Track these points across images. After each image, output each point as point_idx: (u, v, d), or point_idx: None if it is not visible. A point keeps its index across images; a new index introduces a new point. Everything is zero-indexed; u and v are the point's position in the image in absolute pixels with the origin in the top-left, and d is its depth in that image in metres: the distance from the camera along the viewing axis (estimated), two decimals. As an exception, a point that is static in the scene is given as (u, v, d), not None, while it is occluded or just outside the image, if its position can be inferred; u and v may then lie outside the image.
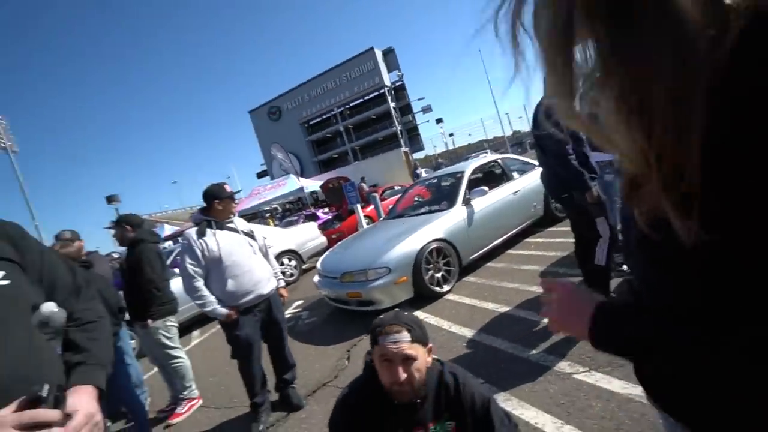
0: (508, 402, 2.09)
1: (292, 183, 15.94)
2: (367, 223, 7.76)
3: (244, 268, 2.51)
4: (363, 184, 13.62)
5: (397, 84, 41.29)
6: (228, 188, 2.64)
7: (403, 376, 1.12)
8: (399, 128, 40.53)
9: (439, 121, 44.49)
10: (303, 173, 35.11)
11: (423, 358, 1.18)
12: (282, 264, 6.59)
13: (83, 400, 0.77)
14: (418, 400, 1.18)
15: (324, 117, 44.20)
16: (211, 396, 3.36)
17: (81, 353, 0.88)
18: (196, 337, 5.38)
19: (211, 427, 2.88)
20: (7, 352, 0.74)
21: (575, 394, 1.99)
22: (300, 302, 5.37)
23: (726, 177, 0.34)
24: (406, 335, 1.15)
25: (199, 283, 2.44)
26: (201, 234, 2.46)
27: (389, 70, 40.80)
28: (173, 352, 3.17)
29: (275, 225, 12.16)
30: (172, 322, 3.19)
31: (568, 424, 1.83)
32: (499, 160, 5.62)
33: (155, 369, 3.48)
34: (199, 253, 2.42)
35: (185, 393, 3.22)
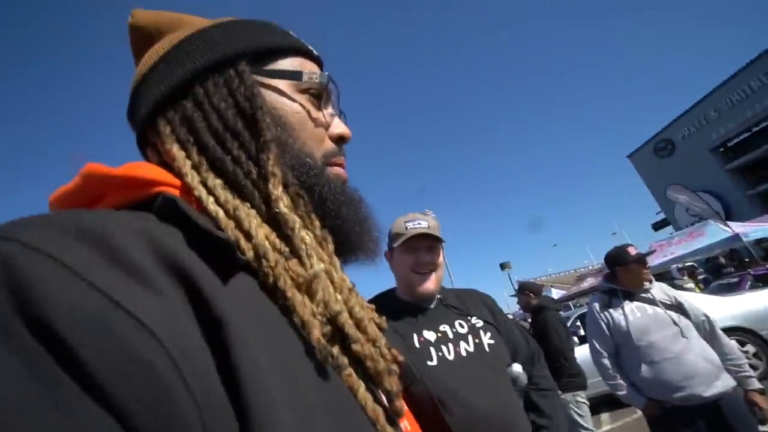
0: None
1: (714, 231, 11.81)
2: None
3: (666, 353, 1.93)
4: None
5: None
6: (633, 251, 2.25)
7: None
8: None
9: None
10: (730, 215, 25.43)
11: None
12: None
13: None
14: None
15: (753, 131, 31.02)
16: None
17: (546, 418, 1.02)
18: (606, 422, 4.73)
19: None
20: (501, 394, 0.95)
21: None
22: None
23: None
24: None
25: (606, 360, 2.14)
26: (605, 305, 2.21)
27: None
28: (588, 434, 2.89)
29: (701, 290, 9.14)
30: (582, 398, 2.98)
31: None
32: None
33: (570, 446, 3.32)
34: (604, 327, 2.16)
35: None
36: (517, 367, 1.02)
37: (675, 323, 1.99)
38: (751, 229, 11.83)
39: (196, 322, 0.24)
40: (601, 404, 5.11)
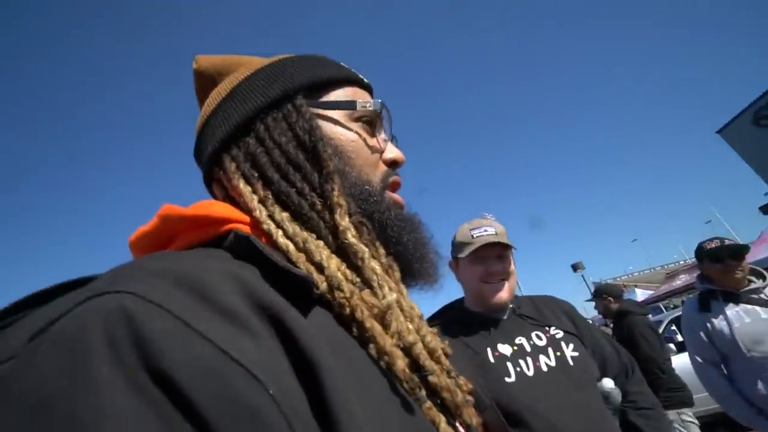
0: None
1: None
2: None
3: None
4: None
5: None
6: (710, 244, 1.94)
7: None
8: None
9: None
10: None
11: None
12: None
13: None
14: None
15: None
16: None
17: None
18: (726, 443, 4.02)
19: None
20: (591, 413, 0.84)
21: None
22: None
23: None
24: None
25: (710, 373, 1.85)
26: (702, 308, 1.92)
27: None
28: (700, 459, 2.51)
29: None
30: (689, 416, 2.59)
31: None
32: None
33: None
34: (702, 335, 1.88)
35: None
36: (608, 383, 0.92)
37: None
38: None
39: (288, 361, 0.25)
40: (717, 424, 4.31)
